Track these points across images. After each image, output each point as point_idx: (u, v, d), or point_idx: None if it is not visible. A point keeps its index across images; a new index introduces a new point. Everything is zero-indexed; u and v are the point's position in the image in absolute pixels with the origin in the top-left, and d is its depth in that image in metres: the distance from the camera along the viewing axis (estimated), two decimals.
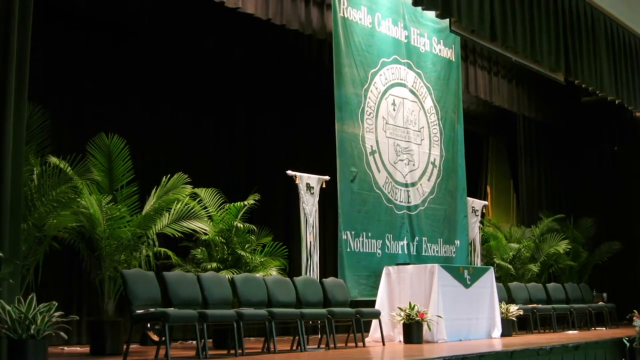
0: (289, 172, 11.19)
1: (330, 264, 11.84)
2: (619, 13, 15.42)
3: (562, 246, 16.27)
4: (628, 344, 10.91)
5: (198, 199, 10.60)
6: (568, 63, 13.81)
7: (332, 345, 9.67)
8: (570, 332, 13.36)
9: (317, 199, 11.44)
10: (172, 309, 8.17)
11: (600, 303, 15.66)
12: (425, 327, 10.46)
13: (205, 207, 10.72)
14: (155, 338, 9.66)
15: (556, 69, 13.71)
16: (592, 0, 14.57)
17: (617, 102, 15.62)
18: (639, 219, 18.07)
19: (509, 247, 15.64)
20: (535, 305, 13.78)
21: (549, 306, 14.18)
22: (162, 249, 10.17)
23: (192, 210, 10.26)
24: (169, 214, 9.91)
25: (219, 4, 10.52)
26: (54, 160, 8.65)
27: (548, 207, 17.91)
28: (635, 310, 11.36)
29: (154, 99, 12.50)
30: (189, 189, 9.96)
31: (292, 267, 11.67)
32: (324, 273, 11.35)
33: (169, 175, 9.86)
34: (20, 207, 7.07)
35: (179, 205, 9.99)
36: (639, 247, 17.83)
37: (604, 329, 14.29)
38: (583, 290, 15.91)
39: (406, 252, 12.53)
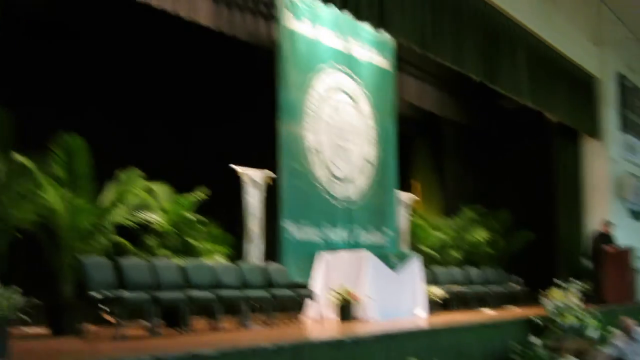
0: (235, 167, 11.19)
1: (273, 251, 11.83)
2: (537, 28, 15.61)
3: (481, 235, 16.48)
4: (537, 322, 11.07)
5: (151, 192, 10.52)
6: (490, 72, 13.96)
7: (273, 323, 9.69)
8: (488, 311, 13.50)
9: (261, 192, 11.44)
10: (127, 292, 8.13)
11: (515, 286, 15.84)
12: (357, 306, 10.52)
13: (158, 200, 10.65)
14: (112, 319, 9.58)
15: (479, 77, 13.84)
16: (513, 16, 14.73)
17: (532, 106, 15.83)
18: (551, 211, 18.35)
19: (434, 235, 15.79)
20: (457, 287, 13.91)
21: (469, 288, 14.34)
22: (118, 238, 10.08)
23: (146, 203, 10.20)
24: (125, 206, 9.83)
25: (174, 15, 10.47)
26: (18, 157, 8.54)
27: (470, 201, 18.08)
28: (544, 292, 11.52)
29: (110, 100, 12.32)
30: (142, 182, 9.91)
31: (238, 254, 11.65)
32: (267, 259, 11.35)
33: (123, 170, 9.78)
34: None
35: (133, 198, 9.92)
36: (550, 236, 18.10)
37: (518, 308, 14.46)
38: (500, 275, 16.08)
39: (343, 240, 12.59)
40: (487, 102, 18.21)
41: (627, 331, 11.61)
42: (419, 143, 18.83)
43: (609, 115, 19.14)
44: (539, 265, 17.33)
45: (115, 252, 9.71)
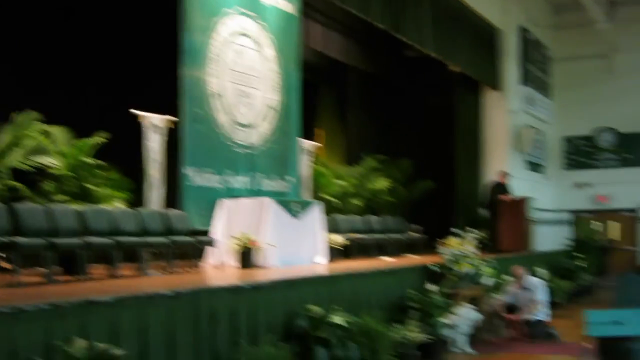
0: (135, 111, 11.07)
1: (173, 197, 11.82)
2: None
3: (382, 184, 16.79)
4: (434, 269, 11.44)
5: (49, 136, 10.33)
6: (395, 20, 14.13)
7: (173, 270, 9.75)
8: (387, 258, 13.83)
9: (162, 137, 11.37)
10: (23, 238, 8.03)
11: (414, 234, 16.24)
12: (258, 253, 10.65)
13: (56, 144, 10.47)
14: (7, 266, 9.46)
15: (384, 26, 13.98)
16: None
17: (435, 56, 16.11)
18: (451, 161, 18.84)
19: (335, 183, 16.01)
20: (357, 235, 14.16)
21: (370, 236, 14.64)
22: (14, 182, 9.90)
23: (43, 146, 10.02)
24: (21, 150, 9.65)
25: None
26: None
27: (372, 149, 18.36)
28: (441, 240, 11.87)
29: (6, 41, 11.98)
30: (40, 126, 9.73)
31: (138, 200, 11.60)
32: (167, 205, 11.35)
33: (20, 113, 9.58)
34: None
35: (30, 141, 9.74)
36: (450, 185, 18.60)
37: (416, 256, 14.85)
38: (399, 223, 16.43)
39: (245, 187, 12.65)
40: (392, 51, 18.43)
41: (518, 279, 12.15)
42: (323, 90, 18.94)
43: (510, 67, 19.67)
44: (438, 214, 17.83)
45: (10, 197, 9.56)
